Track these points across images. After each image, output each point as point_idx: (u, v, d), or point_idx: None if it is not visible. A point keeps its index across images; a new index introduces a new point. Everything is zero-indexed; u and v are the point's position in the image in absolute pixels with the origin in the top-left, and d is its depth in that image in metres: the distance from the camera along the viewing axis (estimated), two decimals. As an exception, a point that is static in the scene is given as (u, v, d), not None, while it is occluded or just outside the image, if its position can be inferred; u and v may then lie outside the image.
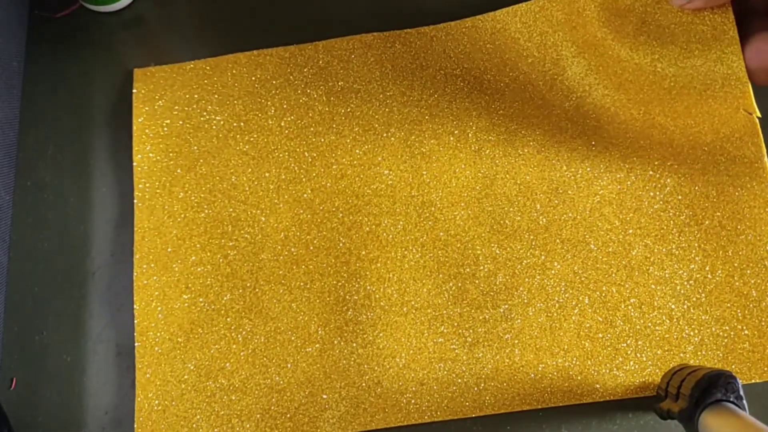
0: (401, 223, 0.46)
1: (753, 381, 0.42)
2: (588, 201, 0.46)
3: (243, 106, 0.48)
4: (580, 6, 0.43)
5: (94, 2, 0.51)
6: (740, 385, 0.36)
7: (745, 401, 0.35)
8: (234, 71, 0.49)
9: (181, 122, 0.48)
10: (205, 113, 0.48)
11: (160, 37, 0.51)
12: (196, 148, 0.48)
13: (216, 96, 0.49)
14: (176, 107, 0.48)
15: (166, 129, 0.48)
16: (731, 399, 0.35)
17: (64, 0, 0.51)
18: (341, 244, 0.45)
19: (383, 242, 0.45)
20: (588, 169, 0.46)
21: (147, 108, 0.49)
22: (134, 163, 0.48)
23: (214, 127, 0.48)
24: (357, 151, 0.47)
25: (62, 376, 0.44)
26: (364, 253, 0.45)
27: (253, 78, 0.49)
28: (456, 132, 0.47)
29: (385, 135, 0.47)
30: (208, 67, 0.49)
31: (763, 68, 0.35)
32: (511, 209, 0.46)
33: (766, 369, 0.42)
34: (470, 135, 0.47)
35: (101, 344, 0.45)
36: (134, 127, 0.48)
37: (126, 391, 0.44)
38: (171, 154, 0.48)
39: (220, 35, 0.51)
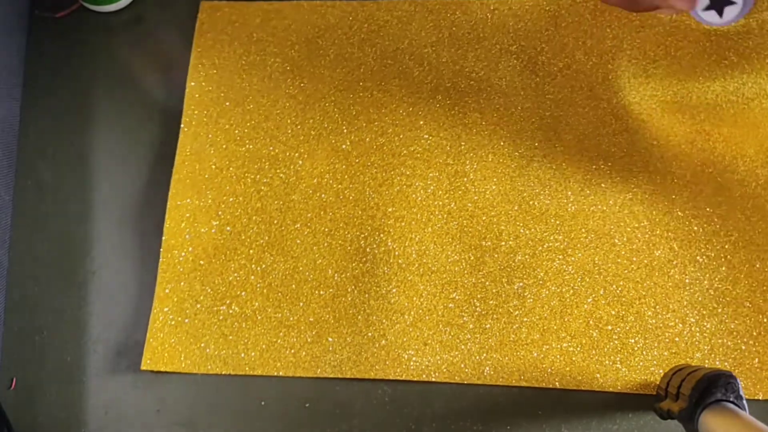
0: (432, 187, 0.46)
1: (757, 397, 0.41)
2: (620, 196, 0.45)
3: (298, 52, 0.50)
4: (649, 13, 0.43)
5: (94, 2, 0.51)
6: (740, 385, 0.36)
7: (744, 401, 0.35)
8: (296, 17, 0.50)
9: (237, 58, 0.50)
10: (262, 53, 0.50)
11: (160, 37, 0.51)
12: (247, 84, 0.49)
13: (275, 38, 0.50)
14: (236, 43, 0.50)
15: (222, 62, 0.50)
16: (731, 399, 0.35)
17: (64, 0, 0.52)
18: (370, 198, 0.46)
19: (411, 203, 0.46)
20: (626, 165, 0.46)
21: (207, 39, 0.50)
22: (186, 90, 0.49)
23: (268, 67, 0.49)
24: (401, 111, 0.48)
25: (62, 376, 0.44)
26: (391, 210, 0.46)
27: (313, 27, 0.50)
28: (501, 109, 0.47)
29: (431, 100, 0.48)
30: (272, 9, 0.50)
31: None
32: (543, 192, 0.46)
33: (771, 388, 0.41)
34: (514, 114, 0.47)
35: (101, 344, 0.45)
36: (192, 55, 0.50)
37: (126, 390, 0.44)
38: (223, 87, 0.49)
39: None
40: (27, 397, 0.44)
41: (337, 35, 0.50)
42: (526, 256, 0.45)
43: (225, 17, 0.51)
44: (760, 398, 0.41)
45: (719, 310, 0.43)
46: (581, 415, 0.43)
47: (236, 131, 0.48)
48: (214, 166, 0.47)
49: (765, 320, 0.43)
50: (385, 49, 0.49)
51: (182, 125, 0.48)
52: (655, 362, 0.43)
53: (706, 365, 0.42)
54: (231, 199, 0.47)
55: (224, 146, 0.48)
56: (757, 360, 0.42)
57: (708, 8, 0.36)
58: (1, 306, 0.46)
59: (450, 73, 0.48)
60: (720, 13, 0.36)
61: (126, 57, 0.51)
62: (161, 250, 0.46)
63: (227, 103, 0.49)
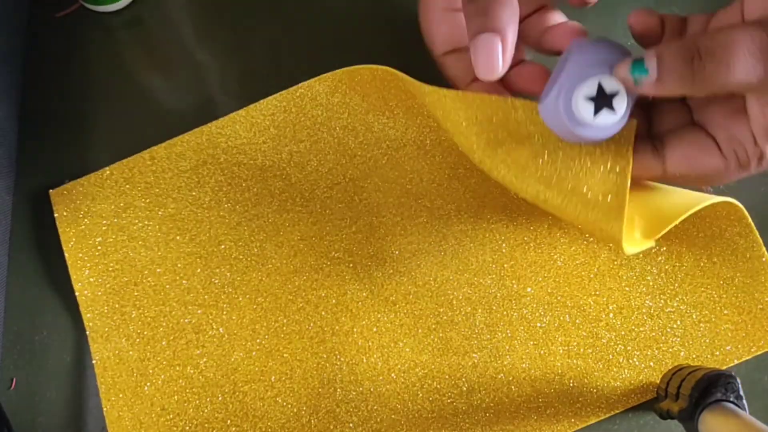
0: (367, 286, 0.44)
1: (744, 359, 0.42)
2: (544, 218, 0.45)
3: (175, 204, 0.46)
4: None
5: (94, 2, 0.50)
6: (740, 385, 0.36)
7: (744, 401, 0.36)
8: (154, 168, 0.46)
9: (114, 236, 0.46)
10: (137, 221, 0.46)
11: (160, 37, 0.50)
12: (138, 260, 0.45)
13: (144, 200, 0.46)
14: (105, 222, 0.46)
15: (100, 247, 0.45)
16: (731, 399, 0.35)
17: (64, 0, 0.51)
18: (312, 324, 0.44)
19: (354, 311, 0.44)
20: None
21: (74, 230, 0.46)
22: (76, 293, 0.45)
23: (151, 233, 0.46)
24: (302, 226, 0.45)
25: (62, 376, 0.44)
26: (337, 327, 0.44)
27: (177, 170, 0.46)
28: (401, 180, 0.46)
29: (328, 197, 0.46)
30: (126, 170, 0.46)
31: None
32: (473, 245, 0.45)
33: (753, 344, 0.42)
34: (415, 180, 0.46)
35: None
36: (66, 255, 0.45)
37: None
38: (113, 273, 0.45)
39: (220, 35, 0.50)
40: (27, 397, 0.44)
41: (207, 170, 0.46)
42: (485, 315, 0.44)
43: (81, 197, 0.46)
44: (747, 358, 0.42)
45: (677, 289, 0.44)
46: None
47: (146, 314, 0.44)
48: (138, 360, 0.43)
49: (721, 283, 0.44)
50: (263, 164, 0.46)
51: (87, 332, 0.44)
52: (642, 365, 0.43)
53: (688, 346, 0.43)
54: (171, 387, 0.43)
55: (140, 335, 0.44)
56: (730, 323, 0.43)
57: (590, 98, 0.30)
58: (1, 306, 0.45)
59: (338, 166, 0.46)
60: (596, 111, 0.30)
61: (126, 57, 0.50)
62: None
63: (125, 289, 0.45)
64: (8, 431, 0.40)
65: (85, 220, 0.46)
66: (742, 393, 0.36)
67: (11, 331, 0.45)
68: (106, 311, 0.44)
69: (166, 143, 0.46)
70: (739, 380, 0.36)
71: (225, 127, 0.46)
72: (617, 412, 0.42)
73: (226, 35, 0.50)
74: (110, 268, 0.45)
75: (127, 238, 0.45)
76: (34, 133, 0.49)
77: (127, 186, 0.46)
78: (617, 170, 0.33)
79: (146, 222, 0.46)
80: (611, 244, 0.36)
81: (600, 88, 0.30)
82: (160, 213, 0.46)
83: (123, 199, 0.46)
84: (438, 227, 0.45)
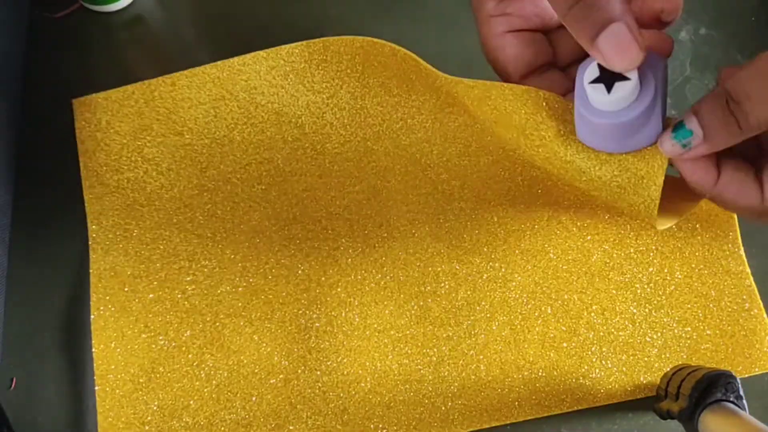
0: (359, 244, 0.45)
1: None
2: (546, 209, 0.45)
3: (191, 135, 0.47)
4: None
5: (94, 2, 0.51)
6: (740, 385, 0.36)
7: (744, 401, 0.36)
8: (174, 94, 0.48)
9: (128, 155, 0.47)
10: (152, 145, 0.47)
11: (160, 37, 0.51)
12: (148, 182, 0.47)
13: (162, 125, 0.47)
14: (122, 140, 0.47)
15: (114, 164, 0.47)
16: (731, 399, 0.35)
17: (64, 0, 0.51)
18: (300, 271, 0.45)
19: (342, 266, 0.45)
20: (544, 176, 0.46)
21: (91, 142, 0.47)
22: (86, 204, 0.47)
23: (164, 159, 0.47)
24: (309, 176, 0.47)
25: (62, 376, 0.44)
26: (323, 278, 0.45)
27: (197, 101, 0.48)
28: (412, 148, 0.47)
29: (338, 157, 0.47)
30: (147, 91, 0.48)
31: None
32: (469, 223, 0.46)
33: (731, 369, 0.42)
34: (426, 150, 0.47)
35: None
36: (81, 166, 0.47)
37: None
38: (123, 191, 0.47)
39: (220, 35, 0.51)
40: (27, 397, 0.44)
41: (225, 103, 0.47)
42: (468, 292, 0.44)
43: (105, 111, 0.48)
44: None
45: (663, 302, 0.44)
46: (581, 416, 0.43)
47: (147, 235, 0.46)
48: (132, 277, 0.45)
49: (707, 303, 0.43)
50: (281, 109, 0.47)
51: (90, 242, 0.46)
52: (615, 369, 0.43)
53: (664, 359, 0.43)
54: (157, 307, 0.45)
55: (138, 253, 0.46)
56: (710, 344, 0.43)
57: (595, 81, 0.30)
58: (1, 306, 0.45)
59: (352, 125, 0.47)
60: (609, 88, 0.29)
61: (126, 57, 0.51)
62: (94, 378, 0.43)
63: (132, 207, 0.47)
64: (8, 431, 0.40)
65: (104, 134, 0.47)
66: (742, 393, 0.36)
67: (11, 331, 0.45)
68: (110, 225, 0.46)
69: (188, 71, 0.47)
70: (739, 380, 0.36)
71: (246, 64, 0.47)
72: (579, 408, 0.42)
73: (226, 35, 0.50)
74: (121, 186, 0.47)
75: (141, 159, 0.47)
76: (34, 132, 0.49)
77: (147, 108, 0.47)
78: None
79: (161, 147, 0.47)
80: (642, 214, 0.35)
81: (601, 67, 0.30)
82: (175, 140, 0.47)
83: (141, 120, 0.47)
84: (439, 200, 0.46)
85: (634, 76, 0.29)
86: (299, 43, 0.45)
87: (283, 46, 0.46)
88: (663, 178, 0.32)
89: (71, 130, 0.48)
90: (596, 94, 0.30)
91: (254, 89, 0.47)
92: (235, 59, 0.47)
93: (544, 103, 0.34)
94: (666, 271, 0.44)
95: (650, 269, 0.44)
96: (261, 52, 0.46)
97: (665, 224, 0.35)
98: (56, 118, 0.49)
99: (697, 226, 0.45)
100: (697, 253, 0.44)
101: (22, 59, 0.50)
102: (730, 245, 0.44)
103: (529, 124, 0.35)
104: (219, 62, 0.47)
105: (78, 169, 0.48)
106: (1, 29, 0.48)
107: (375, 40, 0.43)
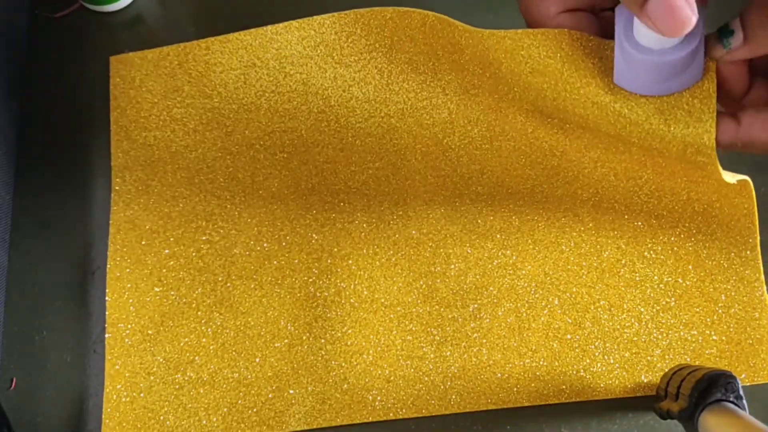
0: (374, 220, 0.46)
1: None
2: (563, 201, 0.45)
3: (219, 99, 0.48)
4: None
5: (94, 2, 0.51)
6: (740, 385, 0.36)
7: (744, 401, 0.35)
8: (207, 58, 0.48)
9: (158, 114, 0.48)
10: (182, 106, 0.48)
11: (160, 37, 0.51)
12: (174, 142, 0.48)
13: (192, 87, 0.48)
14: (157, 98, 0.48)
15: (143, 121, 0.48)
16: (731, 399, 0.35)
17: (64, 0, 0.52)
18: (314, 241, 0.46)
19: (356, 239, 0.45)
20: (563, 169, 0.46)
21: (124, 99, 0.48)
22: (112, 158, 0.48)
23: (191, 120, 0.48)
24: (331, 148, 0.47)
25: (62, 376, 0.44)
26: (336, 249, 0.45)
27: (228, 66, 0.48)
28: (434, 128, 0.47)
29: (360, 132, 0.47)
30: (182, 54, 0.48)
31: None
32: (485, 209, 0.46)
33: (733, 374, 0.42)
34: (448, 131, 0.47)
35: (101, 344, 0.44)
36: (112, 121, 0.48)
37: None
38: (149, 148, 0.48)
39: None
40: (27, 397, 0.44)
41: (256, 72, 0.48)
42: (477, 277, 0.45)
43: (140, 70, 0.49)
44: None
45: (672, 304, 0.43)
46: (581, 415, 0.43)
47: (168, 192, 0.47)
48: (150, 231, 0.46)
49: (716, 308, 0.43)
50: (307, 79, 0.48)
51: (112, 193, 0.47)
52: (617, 365, 0.43)
53: (667, 360, 0.43)
54: (171, 263, 0.46)
55: (158, 209, 0.47)
56: (715, 349, 0.42)
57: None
58: (1, 306, 0.46)
59: (377, 100, 0.48)
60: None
61: None
62: (106, 325, 0.44)
63: (156, 164, 0.48)
64: (8, 431, 0.40)
65: (136, 92, 0.49)
66: (742, 393, 0.36)
67: (11, 331, 0.45)
68: (133, 180, 0.47)
69: (222, 37, 0.48)
70: (739, 380, 0.36)
71: (279, 33, 0.47)
72: (578, 400, 0.42)
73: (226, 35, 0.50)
74: (148, 143, 0.48)
75: (169, 119, 0.48)
76: (34, 133, 0.49)
77: (180, 70, 0.48)
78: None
79: (190, 109, 0.48)
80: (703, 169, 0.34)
81: None
82: (204, 103, 0.48)
83: (173, 81, 0.48)
84: (457, 183, 0.46)
85: None
86: (330, 14, 0.45)
87: (315, 17, 0.46)
88: (714, 117, 0.32)
89: (71, 130, 0.49)
90: (645, 30, 0.29)
91: (284, 58, 0.47)
92: (269, 27, 0.47)
93: (580, 44, 0.33)
94: (679, 272, 0.44)
95: (663, 270, 0.44)
96: (293, 22, 0.47)
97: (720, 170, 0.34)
98: (56, 118, 0.49)
99: (718, 230, 0.44)
100: (713, 257, 0.44)
101: (22, 59, 0.51)
102: (748, 252, 0.44)
103: (567, 68, 0.34)
104: (252, 30, 0.48)
105: (78, 168, 0.48)
106: (1, 29, 0.48)
107: (404, 9, 0.42)
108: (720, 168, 0.33)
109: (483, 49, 0.39)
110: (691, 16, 0.28)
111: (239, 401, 0.43)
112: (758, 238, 0.44)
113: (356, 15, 0.45)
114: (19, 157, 0.49)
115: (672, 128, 0.32)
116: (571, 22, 0.35)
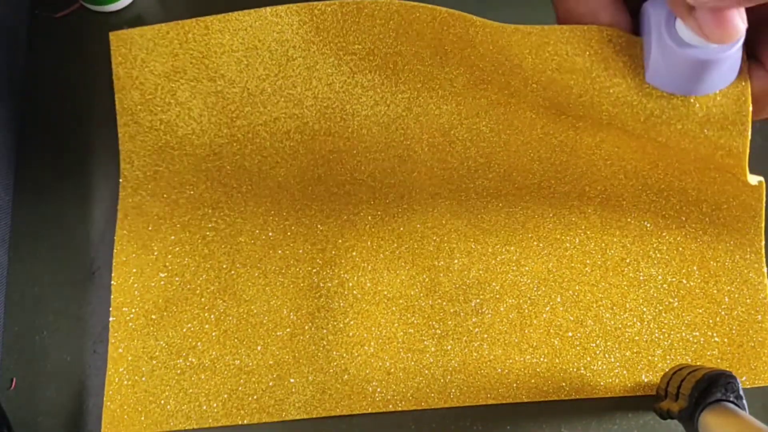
0: (379, 212, 0.46)
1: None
2: (569, 198, 0.45)
3: (223, 82, 0.47)
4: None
5: (94, 2, 0.51)
6: (740, 385, 0.36)
7: (744, 401, 0.35)
8: (208, 39, 0.46)
9: (163, 97, 0.47)
10: (186, 89, 0.47)
11: None
12: (180, 126, 0.48)
13: (195, 69, 0.47)
14: (156, 80, 0.47)
15: (149, 104, 0.48)
16: (731, 399, 0.35)
17: (64, 0, 0.51)
18: (318, 231, 0.46)
19: (360, 231, 0.46)
20: (572, 165, 0.46)
21: (127, 79, 0.47)
22: (119, 143, 0.48)
23: (196, 104, 0.47)
24: (337, 138, 0.47)
25: (62, 376, 0.44)
26: (340, 241, 0.46)
27: (230, 48, 0.47)
28: (441, 119, 0.47)
29: (367, 115, 0.47)
30: (182, 32, 0.46)
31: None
32: (490, 204, 0.46)
33: (733, 377, 0.42)
34: (455, 123, 0.47)
35: (101, 344, 0.44)
36: (117, 102, 0.47)
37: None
38: (155, 132, 0.48)
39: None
40: (27, 397, 0.44)
41: (261, 54, 0.47)
42: (480, 272, 0.45)
43: (141, 48, 0.47)
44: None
45: (675, 304, 0.43)
46: (581, 415, 0.43)
47: (176, 178, 0.47)
48: (156, 217, 0.46)
49: (719, 310, 0.43)
50: (313, 64, 0.46)
51: (120, 179, 0.47)
52: (618, 364, 0.43)
53: (668, 360, 0.43)
54: (177, 249, 0.46)
55: (165, 195, 0.47)
56: (716, 350, 0.42)
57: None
58: (1, 306, 0.46)
59: (384, 93, 0.48)
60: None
61: None
62: (110, 309, 0.45)
63: (163, 150, 0.48)
64: (8, 431, 0.40)
65: (139, 71, 0.47)
66: (742, 393, 0.36)
67: (11, 331, 0.45)
68: (140, 165, 0.48)
69: (221, 16, 0.46)
70: (739, 380, 0.36)
71: (279, 15, 0.45)
72: (577, 398, 0.42)
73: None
74: (154, 127, 0.48)
75: (174, 102, 0.47)
76: (34, 133, 0.49)
77: (181, 50, 0.47)
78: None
79: (194, 92, 0.47)
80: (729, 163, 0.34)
81: None
82: (208, 86, 0.47)
83: (175, 61, 0.47)
84: (463, 177, 0.46)
85: None
86: (333, 1, 0.44)
87: (315, 3, 0.44)
88: (749, 121, 0.31)
89: (71, 130, 0.49)
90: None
91: (287, 42, 0.46)
92: (268, 9, 0.45)
93: (609, 41, 0.33)
94: (683, 272, 0.44)
95: (667, 270, 0.44)
96: (293, 6, 0.45)
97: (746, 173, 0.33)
98: (56, 118, 0.49)
99: (724, 232, 0.44)
100: (718, 259, 0.44)
101: (22, 59, 0.51)
102: (753, 255, 0.44)
103: (596, 66, 0.34)
104: (251, 10, 0.46)
105: (78, 168, 0.48)
106: (1, 29, 0.48)
107: (411, 3, 0.42)
108: (747, 170, 0.33)
109: (503, 45, 0.38)
110: (741, 27, 0.26)
111: (240, 388, 0.43)
112: (763, 241, 0.43)
113: (359, 4, 0.44)
114: (19, 157, 0.49)
115: (706, 130, 0.32)
116: (611, 17, 0.33)
